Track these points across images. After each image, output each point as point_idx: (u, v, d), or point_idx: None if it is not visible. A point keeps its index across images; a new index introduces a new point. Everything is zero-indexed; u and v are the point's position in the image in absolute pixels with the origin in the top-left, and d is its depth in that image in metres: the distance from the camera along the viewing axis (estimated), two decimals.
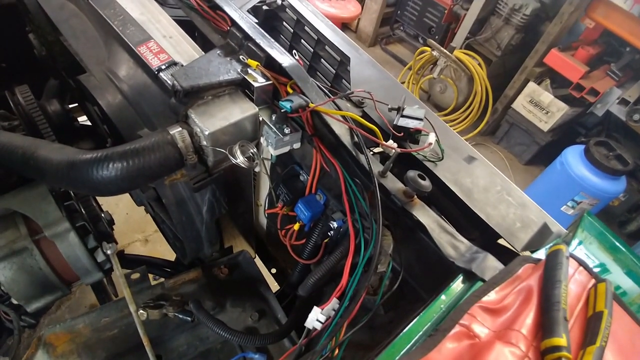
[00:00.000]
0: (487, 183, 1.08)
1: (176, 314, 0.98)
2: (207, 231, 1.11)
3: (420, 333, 0.65)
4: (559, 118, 3.74)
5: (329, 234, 1.00)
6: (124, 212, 2.75)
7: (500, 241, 1.01)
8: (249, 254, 1.22)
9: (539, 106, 3.81)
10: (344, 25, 5.45)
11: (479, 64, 4.00)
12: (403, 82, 4.55)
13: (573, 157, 3.33)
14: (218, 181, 1.05)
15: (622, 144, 3.46)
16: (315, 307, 0.77)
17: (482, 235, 1.02)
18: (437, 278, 0.86)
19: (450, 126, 4.35)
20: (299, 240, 1.11)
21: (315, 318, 0.76)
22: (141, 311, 0.96)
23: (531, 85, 3.83)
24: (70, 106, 1.69)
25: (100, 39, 1.09)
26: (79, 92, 1.21)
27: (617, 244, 1.04)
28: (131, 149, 0.84)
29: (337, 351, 0.71)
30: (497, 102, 4.24)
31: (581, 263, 0.75)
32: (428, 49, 4.07)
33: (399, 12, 4.94)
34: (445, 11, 4.30)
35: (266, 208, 1.13)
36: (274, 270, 1.57)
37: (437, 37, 4.53)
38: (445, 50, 3.95)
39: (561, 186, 3.41)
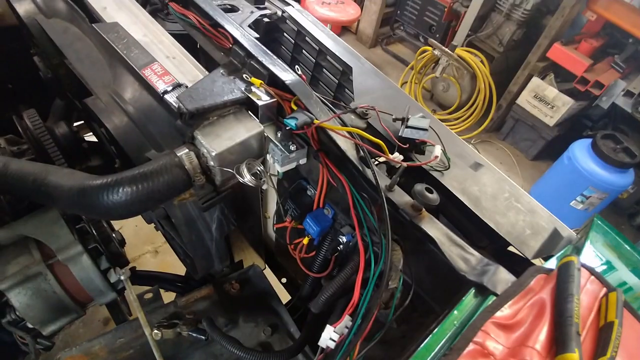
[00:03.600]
0: (495, 190, 1.08)
1: (190, 333, 0.99)
2: (217, 248, 1.12)
3: (435, 351, 0.65)
4: (564, 112, 3.71)
5: (338, 248, 1.01)
6: (132, 224, 2.77)
7: (511, 248, 1.01)
8: (259, 268, 1.23)
9: (544, 101, 3.79)
10: (344, 28, 5.45)
11: (481, 61, 3.98)
12: (405, 82, 4.54)
13: (580, 152, 3.30)
14: (226, 199, 1.06)
15: (629, 137, 3.42)
16: (328, 326, 0.77)
17: (492, 243, 1.02)
18: (449, 290, 0.86)
19: (455, 124, 4.35)
20: (309, 253, 1.11)
21: (329, 337, 0.76)
22: (155, 331, 0.97)
23: (535, 80, 3.80)
24: (77, 124, 1.72)
25: (105, 62, 1.10)
26: (86, 114, 1.23)
27: (622, 241, 1.05)
28: (140, 173, 0.85)
29: None
30: (501, 99, 4.21)
31: (592, 272, 0.75)
32: (429, 48, 4.06)
33: (398, 12, 4.93)
34: (445, 9, 4.29)
35: (275, 222, 1.13)
36: (284, 280, 1.57)
37: (437, 35, 4.52)
38: (446, 49, 3.93)
39: (570, 181, 3.39)
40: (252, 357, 0.93)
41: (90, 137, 1.52)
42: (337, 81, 1.38)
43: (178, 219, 1.04)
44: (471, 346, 0.61)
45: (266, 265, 1.55)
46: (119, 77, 1.07)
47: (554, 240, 1.00)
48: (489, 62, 4.06)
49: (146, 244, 2.80)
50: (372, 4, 4.94)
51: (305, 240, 1.05)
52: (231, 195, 1.09)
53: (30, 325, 1.04)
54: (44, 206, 1.05)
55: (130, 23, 1.13)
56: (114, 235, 1.14)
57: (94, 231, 1.07)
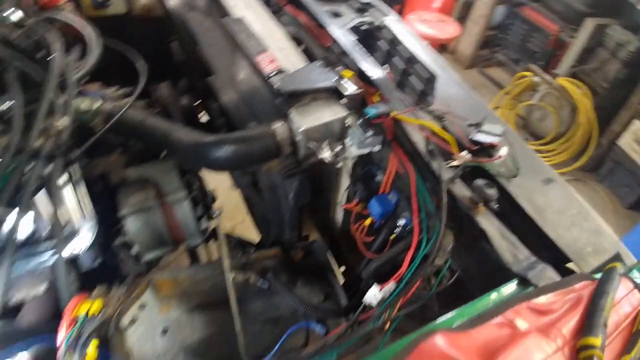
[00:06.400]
0: (563, 205, 1.08)
1: (257, 281, 1.15)
2: (291, 216, 1.28)
3: (464, 319, 0.72)
4: None
5: (395, 231, 1.10)
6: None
7: (570, 265, 1.01)
8: (323, 244, 1.37)
9: None
10: (442, 47, 5.45)
11: (584, 94, 3.74)
12: (497, 107, 4.41)
13: None
14: (305, 173, 1.22)
15: None
16: (375, 285, 0.88)
17: (550, 255, 1.03)
18: (494, 282, 0.90)
19: (547, 157, 4.10)
20: (369, 237, 1.22)
21: (374, 294, 0.86)
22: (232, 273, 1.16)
23: (637, 123, 3.46)
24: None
25: (228, 49, 1.33)
26: (205, 91, 1.48)
27: None
28: (242, 136, 1.05)
29: (388, 325, 0.80)
30: (602, 137, 3.89)
31: (637, 286, 0.76)
32: (529, 74, 3.92)
33: (500, 35, 4.82)
34: (551, 37, 4.10)
35: (344, 203, 1.26)
36: (342, 268, 1.69)
37: (540, 63, 4.33)
38: (548, 77, 3.77)
39: None
40: (305, 308, 1.07)
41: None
42: (421, 87, 1.48)
43: (263, 183, 1.22)
44: (499, 319, 0.68)
45: (329, 249, 1.68)
46: (236, 61, 1.29)
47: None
48: (593, 96, 3.79)
49: (226, 220, 3.10)
50: (474, 25, 4.89)
51: (368, 222, 1.16)
52: (309, 172, 1.25)
53: (133, 253, 1.28)
54: (163, 157, 1.31)
55: (252, 19, 1.35)
56: (208, 192, 1.36)
57: (196, 184, 1.30)
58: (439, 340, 0.60)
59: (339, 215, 1.42)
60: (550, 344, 0.62)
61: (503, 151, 0.97)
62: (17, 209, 0.91)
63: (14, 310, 1.15)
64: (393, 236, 1.10)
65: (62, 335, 0.84)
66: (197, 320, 1.12)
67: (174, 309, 1.13)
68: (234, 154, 1.03)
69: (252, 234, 1.93)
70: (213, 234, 1.44)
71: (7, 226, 0.91)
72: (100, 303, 0.90)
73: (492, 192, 0.90)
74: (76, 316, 0.85)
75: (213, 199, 1.38)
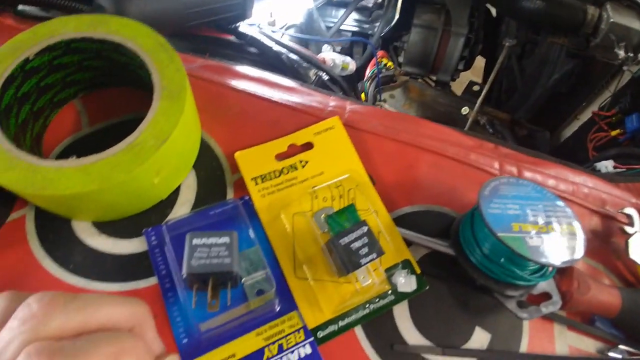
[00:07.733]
0: None
1: (485, 124, 1.36)
2: (539, 97, 1.37)
3: None
4: None
5: None
6: None
7: None
8: (548, 136, 1.45)
9: None
10: None
11: None
12: None
13: None
14: (581, 63, 1.27)
15: None
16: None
17: None
18: None
19: None
20: (596, 152, 1.27)
21: (605, 165, 0.99)
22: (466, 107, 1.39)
23: None
24: None
25: None
26: None
27: None
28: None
29: None
30: None
31: None
32: None
33: None
34: None
35: (594, 109, 1.30)
36: None
37: None
38: None
39: None
40: None
41: None
42: None
43: (537, 55, 1.31)
44: None
45: None
46: None
47: None
48: None
49: None
50: None
51: (615, 132, 1.20)
52: (582, 66, 1.29)
53: (399, 59, 1.57)
54: None
55: None
56: (480, 43, 1.52)
57: (476, 30, 1.46)
58: None
59: (574, 123, 1.45)
60: None
61: None
62: None
63: None
64: None
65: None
66: None
67: (411, 110, 1.44)
68: (541, 8, 1.14)
69: None
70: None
71: None
72: (392, 64, 1.24)
73: None
74: (380, 62, 1.21)
75: (477, 51, 1.54)
